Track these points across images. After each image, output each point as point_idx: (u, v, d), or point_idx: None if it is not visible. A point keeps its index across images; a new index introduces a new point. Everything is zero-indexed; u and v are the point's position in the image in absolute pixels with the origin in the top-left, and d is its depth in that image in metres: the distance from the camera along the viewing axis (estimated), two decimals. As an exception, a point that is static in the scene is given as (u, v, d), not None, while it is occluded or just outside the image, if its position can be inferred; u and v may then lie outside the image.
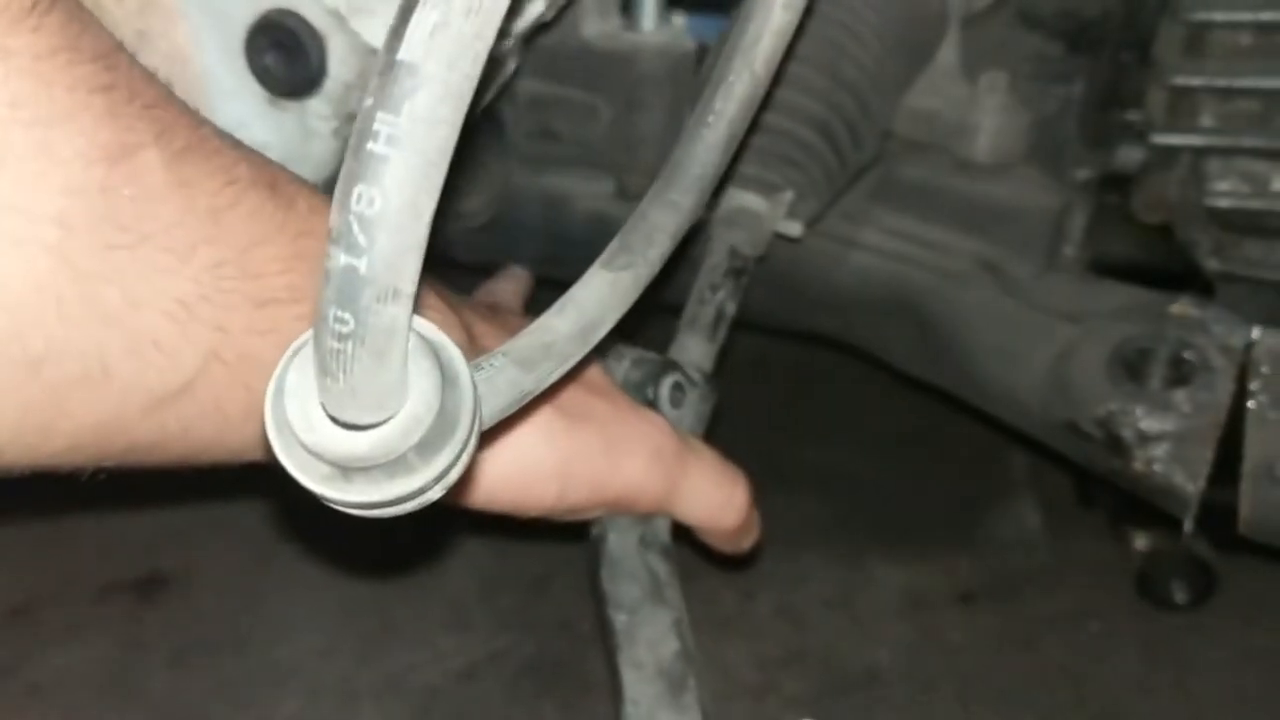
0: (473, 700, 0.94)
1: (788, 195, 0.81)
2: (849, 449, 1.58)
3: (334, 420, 0.37)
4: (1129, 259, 1.01)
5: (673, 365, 0.74)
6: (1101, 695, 0.94)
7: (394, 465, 0.37)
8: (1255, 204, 0.90)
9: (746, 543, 0.77)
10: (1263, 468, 0.77)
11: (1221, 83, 0.88)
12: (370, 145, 0.32)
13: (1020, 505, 1.41)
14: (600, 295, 0.52)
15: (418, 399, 0.37)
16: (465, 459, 0.39)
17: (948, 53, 0.94)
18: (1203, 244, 0.93)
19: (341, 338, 0.35)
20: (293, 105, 0.70)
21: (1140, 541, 1.03)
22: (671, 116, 0.93)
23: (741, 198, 0.81)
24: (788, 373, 1.56)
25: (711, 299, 0.78)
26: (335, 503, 0.39)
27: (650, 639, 0.66)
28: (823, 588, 1.47)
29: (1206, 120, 0.90)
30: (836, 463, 1.58)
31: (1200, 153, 0.91)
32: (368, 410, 0.37)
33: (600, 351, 0.63)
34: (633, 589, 0.68)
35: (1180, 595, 1.01)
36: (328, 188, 0.38)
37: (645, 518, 0.70)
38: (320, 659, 0.97)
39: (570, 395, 0.63)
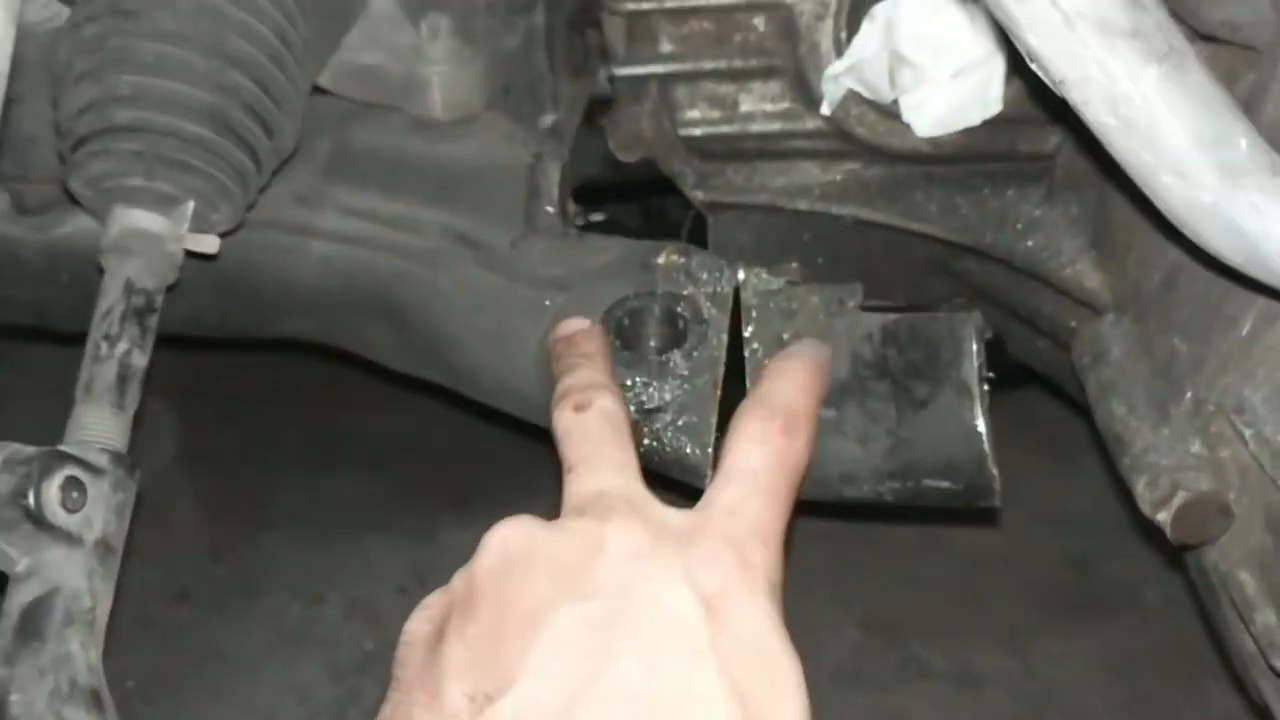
0: None
1: (189, 207, 0.67)
2: (405, 414, 1.46)
3: None
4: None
5: (60, 457, 0.58)
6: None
7: None
8: (727, 129, 0.85)
9: None
10: None
11: (672, 4, 0.82)
12: None
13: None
14: None
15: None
16: None
17: (382, -3, 0.82)
18: (686, 176, 0.87)
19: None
20: None
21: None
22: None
23: (130, 217, 0.66)
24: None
25: (111, 354, 0.63)
26: None
27: None
28: (394, 573, 1.37)
29: (665, 46, 0.84)
30: (395, 431, 1.47)
31: (666, 80, 0.85)
32: None
33: None
34: None
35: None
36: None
37: (59, 655, 0.57)
38: None
39: None
